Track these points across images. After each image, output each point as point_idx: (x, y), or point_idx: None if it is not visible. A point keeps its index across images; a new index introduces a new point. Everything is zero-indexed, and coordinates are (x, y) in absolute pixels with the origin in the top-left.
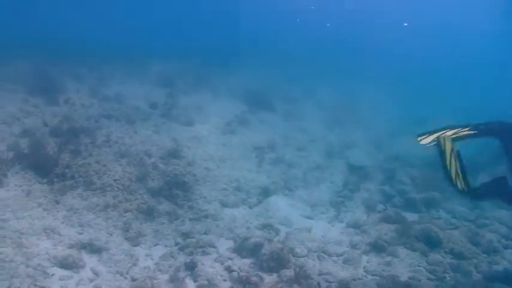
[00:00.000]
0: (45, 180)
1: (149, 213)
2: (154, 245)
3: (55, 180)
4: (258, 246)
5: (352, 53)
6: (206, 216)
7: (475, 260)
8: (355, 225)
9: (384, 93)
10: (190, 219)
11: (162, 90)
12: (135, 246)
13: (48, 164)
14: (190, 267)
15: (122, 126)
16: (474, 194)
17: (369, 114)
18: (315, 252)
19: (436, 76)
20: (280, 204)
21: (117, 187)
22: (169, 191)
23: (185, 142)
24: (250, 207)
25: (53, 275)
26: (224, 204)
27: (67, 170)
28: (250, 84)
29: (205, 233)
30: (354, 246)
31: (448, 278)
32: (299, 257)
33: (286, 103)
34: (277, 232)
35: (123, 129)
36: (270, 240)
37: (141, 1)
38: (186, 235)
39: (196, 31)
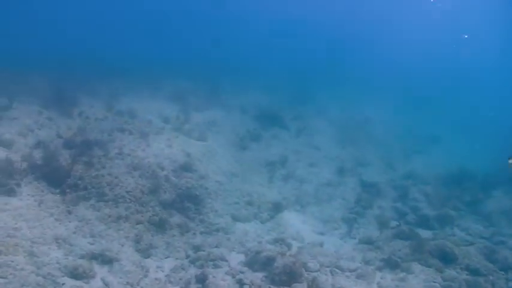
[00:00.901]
0: (57, 191)
1: (161, 226)
2: (166, 257)
3: (67, 190)
4: (270, 260)
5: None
6: (217, 230)
7: (491, 277)
8: (368, 241)
9: (393, 110)
10: (201, 233)
11: (174, 106)
12: (146, 257)
13: (61, 175)
14: (201, 279)
15: (135, 140)
16: None
17: (380, 131)
18: (327, 267)
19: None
20: (291, 220)
21: (129, 199)
22: (181, 204)
23: (198, 156)
24: (262, 222)
25: (63, 284)
26: (236, 218)
27: (80, 181)
28: (262, 101)
29: (216, 246)
30: (367, 262)
31: None
32: (311, 271)
33: (297, 120)
34: (289, 247)
35: (136, 143)
36: (282, 254)
37: (153, 18)
38: (197, 248)
39: (206, 47)
